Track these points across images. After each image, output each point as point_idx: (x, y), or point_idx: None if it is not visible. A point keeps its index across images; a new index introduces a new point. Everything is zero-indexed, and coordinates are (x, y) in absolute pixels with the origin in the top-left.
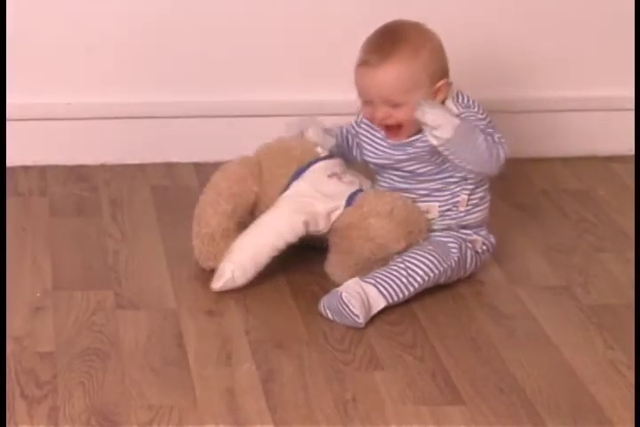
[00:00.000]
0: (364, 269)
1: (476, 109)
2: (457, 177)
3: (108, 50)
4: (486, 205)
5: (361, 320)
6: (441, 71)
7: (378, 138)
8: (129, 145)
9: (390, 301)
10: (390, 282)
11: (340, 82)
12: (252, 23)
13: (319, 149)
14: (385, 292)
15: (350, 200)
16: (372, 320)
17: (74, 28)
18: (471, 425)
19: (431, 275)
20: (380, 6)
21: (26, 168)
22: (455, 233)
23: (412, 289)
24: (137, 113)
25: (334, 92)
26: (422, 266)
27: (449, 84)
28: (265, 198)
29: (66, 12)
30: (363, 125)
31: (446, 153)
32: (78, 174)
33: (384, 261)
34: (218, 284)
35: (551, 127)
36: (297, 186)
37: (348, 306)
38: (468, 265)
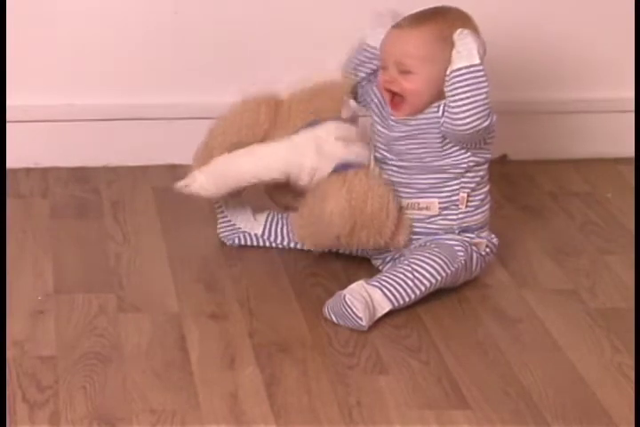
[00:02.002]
0: (312, 236)
1: None
2: (454, 173)
3: (109, 51)
4: (487, 206)
5: (364, 323)
6: None
7: (379, 117)
8: (131, 147)
9: (396, 304)
10: (396, 285)
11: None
12: (254, 24)
13: (344, 110)
14: (390, 295)
15: (339, 168)
16: (377, 323)
17: (76, 29)
18: None
19: (438, 278)
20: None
21: (27, 170)
22: (459, 236)
23: (418, 292)
24: (139, 114)
25: None
26: (429, 268)
27: None
28: (274, 136)
29: (67, 13)
30: (372, 105)
31: (448, 84)
32: (80, 176)
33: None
34: (181, 183)
35: (558, 129)
36: (301, 135)
37: (351, 308)
38: (474, 268)
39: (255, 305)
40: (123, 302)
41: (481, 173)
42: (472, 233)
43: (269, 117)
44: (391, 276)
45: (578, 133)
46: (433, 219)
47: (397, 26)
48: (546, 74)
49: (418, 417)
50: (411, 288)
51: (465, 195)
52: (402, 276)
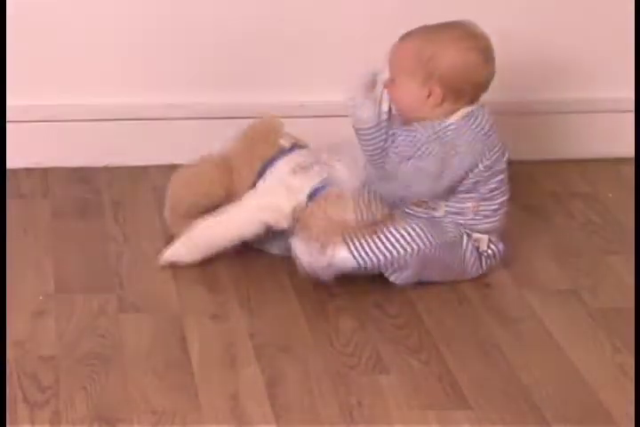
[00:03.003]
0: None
1: (463, 138)
2: (465, 186)
3: (110, 51)
4: (499, 217)
5: (304, 260)
6: (441, 79)
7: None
8: (131, 147)
9: (360, 261)
10: (364, 243)
11: (341, 83)
12: (254, 25)
13: (282, 141)
14: (355, 252)
15: (313, 195)
16: (378, 323)
17: (76, 29)
18: None
19: (415, 247)
20: (380, 9)
21: (28, 170)
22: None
23: (388, 256)
24: (139, 115)
25: (338, 94)
26: (405, 235)
27: (442, 97)
28: (234, 197)
29: (68, 13)
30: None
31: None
32: (80, 176)
33: None
34: (165, 256)
35: (559, 129)
36: (263, 183)
37: (294, 250)
38: (467, 260)
39: (256, 305)
40: (123, 303)
41: (494, 185)
42: (477, 234)
43: (224, 184)
44: (366, 236)
45: (579, 133)
46: (438, 220)
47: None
48: (547, 74)
49: (419, 417)
50: (379, 249)
51: (475, 203)
52: (375, 237)
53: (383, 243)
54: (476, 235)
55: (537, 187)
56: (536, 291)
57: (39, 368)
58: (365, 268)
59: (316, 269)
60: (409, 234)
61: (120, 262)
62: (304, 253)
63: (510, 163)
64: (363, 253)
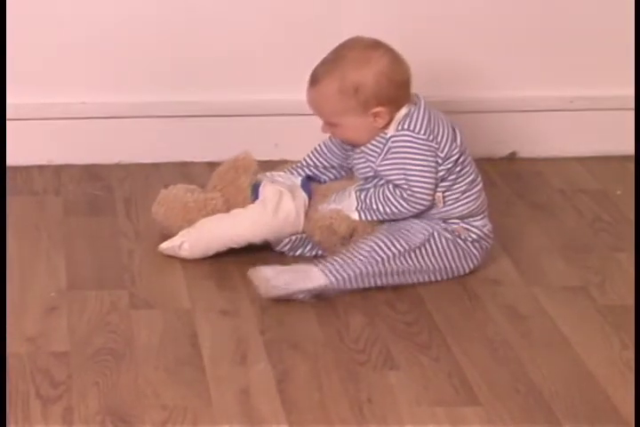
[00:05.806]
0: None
1: (412, 147)
2: None
3: (121, 49)
4: (471, 198)
5: (260, 291)
6: (376, 98)
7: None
8: (143, 144)
9: (332, 278)
10: (332, 261)
11: None
12: (258, 24)
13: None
14: (326, 270)
15: (305, 187)
16: (388, 320)
17: (88, 28)
18: (487, 426)
19: (378, 258)
20: (379, 10)
21: (40, 167)
22: (433, 220)
23: (357, 270)
24: (151, 112)
25: None
26: (367, 247)
27: (388, 112)
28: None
29: (80, 13)
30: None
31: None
32: (93, 173)
33: None
34: (164, 246)
35: (567, 127)
36: (264, 191)
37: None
38: (448, 253)
39: (266, 302)
40: (135, 299)
41: (457, 169)
42: (455, 220)
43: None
44: (335, 254)
45: (587, 131)
46: (406, 221)
47: (309, 80)
48: (553, 72)
49: (428, 414)
50: (348, 264)
51: (440, 194)
52: (341, 254)
53: (350, 259)
54: (451, 226)
55: (545, 184)
56: (545, 288)
57: (51, 364)
58: (337, 284)
59: (279, 293)
60: (370, 247)
61: (131, 259)
62: (262, 279)
63: (518, 160)
64: (332, 269)
